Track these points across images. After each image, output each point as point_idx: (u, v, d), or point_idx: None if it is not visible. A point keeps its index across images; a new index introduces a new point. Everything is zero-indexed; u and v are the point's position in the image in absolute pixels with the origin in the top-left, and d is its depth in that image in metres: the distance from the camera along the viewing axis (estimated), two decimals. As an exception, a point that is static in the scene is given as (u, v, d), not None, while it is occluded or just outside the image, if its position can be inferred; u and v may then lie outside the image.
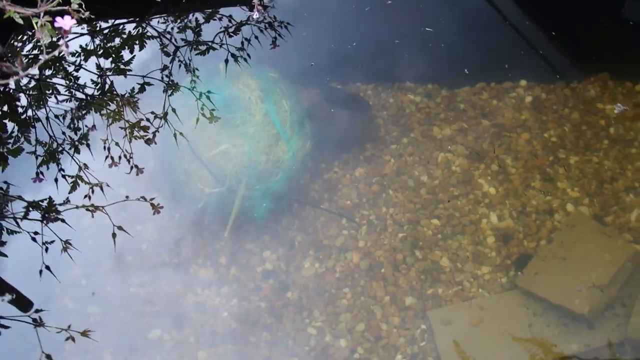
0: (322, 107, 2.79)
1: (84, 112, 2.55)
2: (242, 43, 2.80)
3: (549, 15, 3.13)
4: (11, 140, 2.50)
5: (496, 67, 3.07)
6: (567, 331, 2.35)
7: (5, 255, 2.41)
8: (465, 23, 3.12)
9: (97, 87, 2.60)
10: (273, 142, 2.52)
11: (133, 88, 2.63)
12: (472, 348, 2.31)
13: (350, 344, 2.40)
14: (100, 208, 2.13)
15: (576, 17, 3.12)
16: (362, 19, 3.12)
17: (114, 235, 2.24)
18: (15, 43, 2.78)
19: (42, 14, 1.35)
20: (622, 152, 2.80)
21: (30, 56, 2.75)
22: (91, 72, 2.69)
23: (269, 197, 2.55)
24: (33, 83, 2.63)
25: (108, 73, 2.67)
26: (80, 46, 2.77)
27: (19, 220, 2.30)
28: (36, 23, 1.34)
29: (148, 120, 2.49)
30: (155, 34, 2.83)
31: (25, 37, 2.83)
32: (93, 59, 2.75)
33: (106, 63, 2.75)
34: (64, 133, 2.57)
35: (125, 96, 2.49)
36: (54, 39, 1.45)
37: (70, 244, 2.21)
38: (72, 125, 2.57)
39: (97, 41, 2.83)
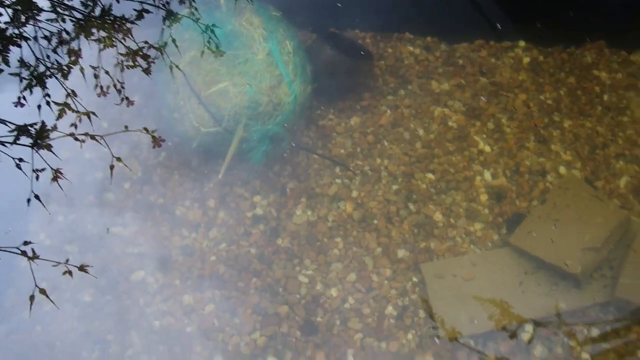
0: (324, 51, 2.78)
1: (72, 36, 2.46)
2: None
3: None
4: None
5: (496, 26, 3.11)
6: (556, 290, 2.45)
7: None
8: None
9: (88, 10, 2.51)
10: (275, 84, 2.51)
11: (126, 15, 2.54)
12: (464, 303, 2.38)
13: (341, 293, 2.45)
14: (97, 137, 2.07)
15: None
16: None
17: (111, 167, 2.19)
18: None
19: None
20: (615, 120, 2.91)
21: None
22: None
23: (268, 140, 2.54)
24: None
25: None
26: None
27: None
28: None
29: (141, 50, 2.41)
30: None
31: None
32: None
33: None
34: (48, 57, 2.47)
35: (121, 21, 2.40)
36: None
37: (61, 173, 2.12)
38: (58, 50, 2.47)
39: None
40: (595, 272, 2.49)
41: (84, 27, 2.27)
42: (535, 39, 3.07)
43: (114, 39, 2.28)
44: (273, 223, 2.57)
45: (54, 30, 2.35)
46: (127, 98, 2.19)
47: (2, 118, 2.17)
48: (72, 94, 2.20)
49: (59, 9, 2.31)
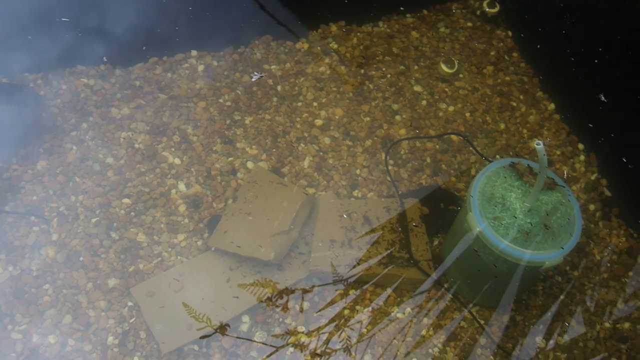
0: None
1: None
2: None
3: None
4: None
5: (166, 40, 3.35)
6: (261, 277, 2.76)
7: None
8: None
9: None
10: None
11: None
12: (178, 313, 2.61)
13: (59, 338, 2.55)
14: None
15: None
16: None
17: None
18: None
19: None
20: (291, 107, 3.27)
21: None
22: None
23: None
24: None
25: None
26: None
27: None
28: None
29: None
30: None
31: None
32: None
33: None
34: None
35: None
36: None
37: None
38: None
39: None
40: (292, 251, 2.80)
41: None
42: (205, 45, 3.32)
43: None
44: (-25, 289, 2.58)
45: None
46: None
47: None
48: None
49: None
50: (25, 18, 3.13)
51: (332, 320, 2.66)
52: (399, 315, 2.73)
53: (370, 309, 2.71)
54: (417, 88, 3.39)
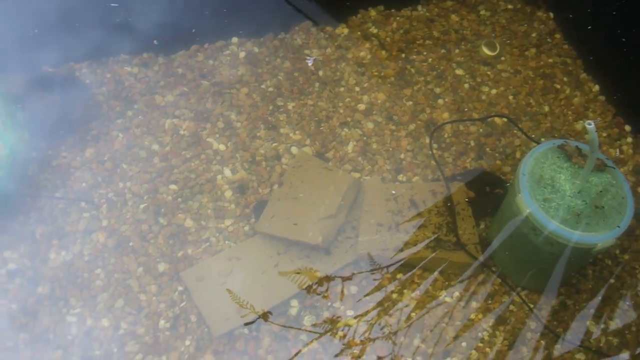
0: (35, 95, 2.93)
1: None
2: None
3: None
4: None
5: (207, 28, 3.43)
6: (309, 262, 2.82)
7: None
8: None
9: None
10: (-15, 142, 2.62)
11: None
12: (228, 296, 2.69)
13: (112, 321, 2.65)
14: None
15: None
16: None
17: None
18: None
19: None
20: (333, 92, 3.34)
21: None
22: None
23: (-5, 197, 2.66)
24: None
25: None
26: None
27: None
28: None
29: None
30: None
31: None
32: None
33: None
34: None
35: None
36: None
37: None
38: None
39: None
40: (339, 235, 2.86)
41: None
42: (246, 32, 3.40)
43: None
44: (29, 273, 2.69)
45: None
46: None
47: None
48: None
49: None
50: (74, 4, 3.22)
51: (379, 304, 2.72)
52: (447, 299, 2.78)
53: (417, 292, 2.76)
54: (459, 71, 3.44)
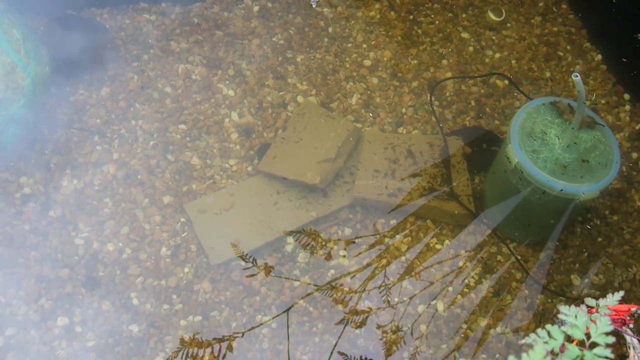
0: (57, 33, 3.08)
1: None
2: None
3: None
4: None
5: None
6: (307, 202, 2.94)
7: None
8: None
9: None
10: (9, 70, 2.77)
11: None
12: (228, 229, 2.82)
13: (117, 246, 2.79)
14: None
15: None
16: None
17: None
18: None
19: None
20: (341, 47, 3.45)
21: None
22: None
23: (15, 123, 2.82)
24: None
25: None
26: None
27: None
28: None
29: None
30: None
31: None
32: None
33: None
34: None
35: None
36: None
37: None
38: None
39: None
40: (337, 180, 2.98)
41: None
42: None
43: None
44: (43, 198, 2.84)
45: None
46: None
47: None
48: None
49: None
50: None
51: (372, 247, 2.84)
52: (438, 246, 2.89)
53: (410, 238, 2.87)
54: (465, 35, 3.53)
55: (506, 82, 3.36)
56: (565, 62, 3.47)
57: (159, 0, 3.40)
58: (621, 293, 1.59)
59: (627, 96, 3.37)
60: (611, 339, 1.35)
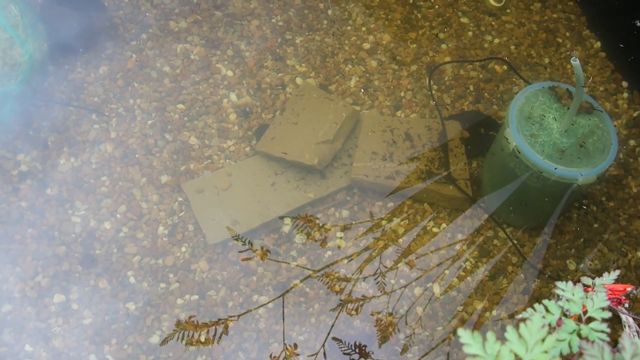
0: (55, 10, 3.07)
1: None
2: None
3: None
4: None
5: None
6: (304, 183, 2.95)
7: None
8: None
9: None
10: (7, 46, 2.75)
11: None
12: (225, 209, 2.82)
13: (114, 225, 2.79)
14: None
15: None
16: None
17: None
18: None
19: None
20: (340, 30, 3.45)
21: None
22: None
23: (12, 99, 2.81)
24: None
25: None
26: None
27: None
28: None
29: None
30: None
31: None
32: None
33: None
34: None
35: None
36: None
37: None
38: None
39: None
40: (335, 161, 2.98)
41: None
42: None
43: None
44: (40, 176, 2.84)
45: None
46: None
47: None
48: None
49: None
50: None
51: (369, 229, 2.84)
52: (434, 229, 2.89)
53: (406, 221, 2.88)
54: (464, 20, 3.52)
55: (505, 67, 3.35)
56: (564, 48, 3.47)
57: (157, -21, 3.37)
58: (617, 272, 1.60)
59: (625, 84, 3.38)
60: (608, 314, 1.36)
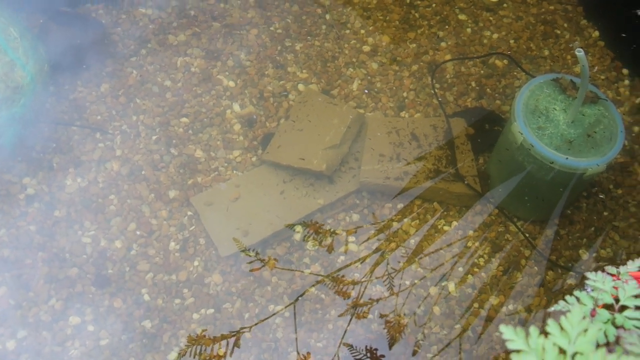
0: (53, 30, 3.02)
1: None
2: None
3: None
4: None
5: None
6: (313, 190, 2.90)
7: None
8: None
9: None
10: (8, 70, 2.71)
11: None
12: (235, 221, 2.78)
13: (125, 243, 2.75)
14: None
15: None
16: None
17: None
18: None
19: None
20: (339, 34, 3.41)
21: None
22: None
23: (16, 122, 2.76)
24: None
25: None
26: None
27: None
28: None
29: None
30: None
31: None
32: None
33: None
34: None
35: None
36: None
37: None
38: None
39: None
40: (342, 166, 2.94)
41: None
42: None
43: None
44: (47, 198, 2.79)
45: None
46: None
47: None
48: None
49: None
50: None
51: (380, 232, 2.80)
52: (445, 227, 2.85)
53: (417, 221, 2.84)
54: (462, 17, 3.49)
55: (505, 62, 3.32)
56: (563, 39, 3.43)
57: (154, -7, 3.33)
58: (640, 259, 1.57)
59: (625, 71, 3.34)
60: None
